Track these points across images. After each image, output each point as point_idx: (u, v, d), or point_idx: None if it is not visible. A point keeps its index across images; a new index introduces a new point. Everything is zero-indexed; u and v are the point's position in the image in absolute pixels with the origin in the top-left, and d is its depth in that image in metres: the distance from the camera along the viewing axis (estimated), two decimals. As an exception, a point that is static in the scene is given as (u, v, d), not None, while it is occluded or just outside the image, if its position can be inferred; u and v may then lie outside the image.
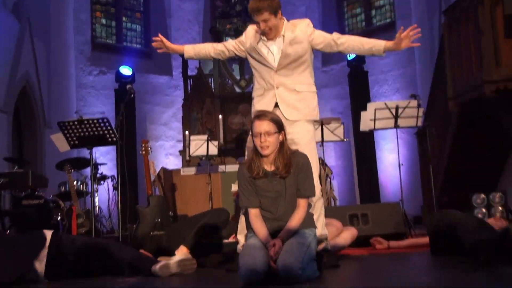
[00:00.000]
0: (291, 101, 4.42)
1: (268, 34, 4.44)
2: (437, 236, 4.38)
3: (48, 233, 4.18)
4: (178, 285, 3.84)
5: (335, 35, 4.54)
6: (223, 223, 5.07)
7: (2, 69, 10.51)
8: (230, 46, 4.76)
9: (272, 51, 4.50)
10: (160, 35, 4.85)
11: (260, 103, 4.57)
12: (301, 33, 4.48)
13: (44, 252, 4.06)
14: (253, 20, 4.53)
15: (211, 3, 15.79)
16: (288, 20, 4.55)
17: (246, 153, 4.55)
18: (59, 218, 8.17)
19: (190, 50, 4.88)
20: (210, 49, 4.84)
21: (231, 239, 5.15)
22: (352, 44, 4.52)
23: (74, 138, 6.81)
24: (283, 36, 4.47)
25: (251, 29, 4.63)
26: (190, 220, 5.61)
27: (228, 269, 4.18)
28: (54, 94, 12.46)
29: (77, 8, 13.99)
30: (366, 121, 7.09)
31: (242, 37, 4.68)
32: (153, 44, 4.83)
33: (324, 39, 4.54)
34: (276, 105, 4.48)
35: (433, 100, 9.00)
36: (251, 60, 4.65)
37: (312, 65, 4.64)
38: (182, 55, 4.97)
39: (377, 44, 4.47)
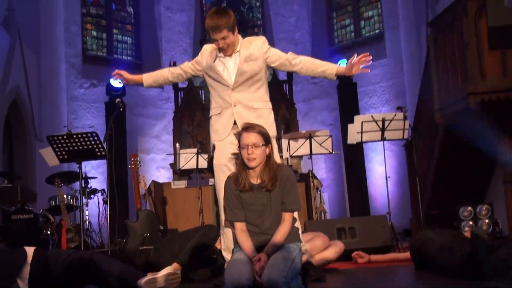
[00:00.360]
0: (249, 118, 4.40)
1: (225, 51, 4.49)
2: (414, 254, 4.48)
3: (30, 250, 4.17)
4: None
5: (291, 55, 4.60)
6: (213, 240, 5.11)
7: (-9, 83, 10.55)
8: (187, 68, 4.82)
9: (228, 68, 4.55)
10: (117, 70, 4.95)
11: (219, 122, 4.65)
12: (256, 50, 4.54)
13: (27, 269, 4.06)
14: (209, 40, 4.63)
15: (202, 15, 15.85)
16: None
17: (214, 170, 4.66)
18: (48, 232, 8.18)
19: (149, 78, 4.94)
20: (167, 74, 4.90)
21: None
22: (306, 65, 4.58)
23: (63, 152, 6.86)
24: (239, 52, 4.53)
25: (206, 49, 4.68)
26: (180, 236, 5.63)
27: (215, 284, 4.22)
28: (45, 107, 12.47)
29: (68, 20, 13.99)
30: (353, 134, 7.14)
31: (198, 57, 4.73)
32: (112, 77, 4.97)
33: (280, 57, 4.60)
34: (235, 123, 4.54)
35: (420, 112, 9.05)
36: (208, 79, 4.70)
37: (267, 82, 4.69)
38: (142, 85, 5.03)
39: (330, 68, 4.53)
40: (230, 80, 4.54)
